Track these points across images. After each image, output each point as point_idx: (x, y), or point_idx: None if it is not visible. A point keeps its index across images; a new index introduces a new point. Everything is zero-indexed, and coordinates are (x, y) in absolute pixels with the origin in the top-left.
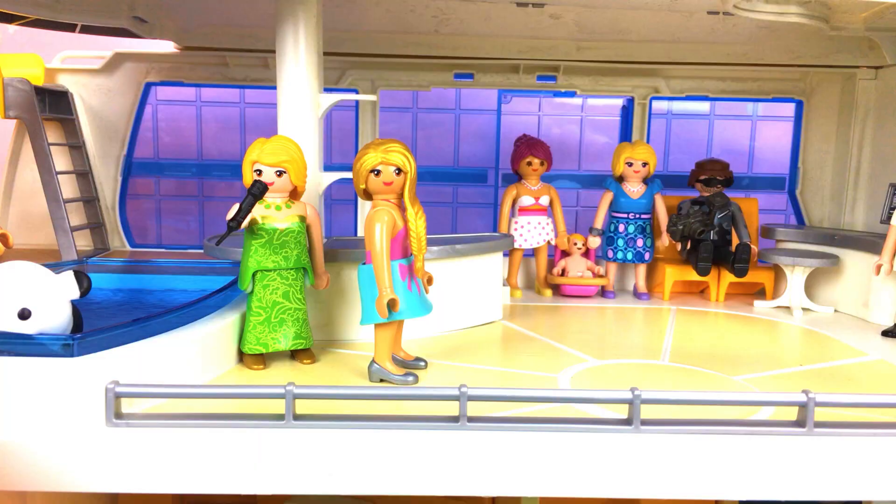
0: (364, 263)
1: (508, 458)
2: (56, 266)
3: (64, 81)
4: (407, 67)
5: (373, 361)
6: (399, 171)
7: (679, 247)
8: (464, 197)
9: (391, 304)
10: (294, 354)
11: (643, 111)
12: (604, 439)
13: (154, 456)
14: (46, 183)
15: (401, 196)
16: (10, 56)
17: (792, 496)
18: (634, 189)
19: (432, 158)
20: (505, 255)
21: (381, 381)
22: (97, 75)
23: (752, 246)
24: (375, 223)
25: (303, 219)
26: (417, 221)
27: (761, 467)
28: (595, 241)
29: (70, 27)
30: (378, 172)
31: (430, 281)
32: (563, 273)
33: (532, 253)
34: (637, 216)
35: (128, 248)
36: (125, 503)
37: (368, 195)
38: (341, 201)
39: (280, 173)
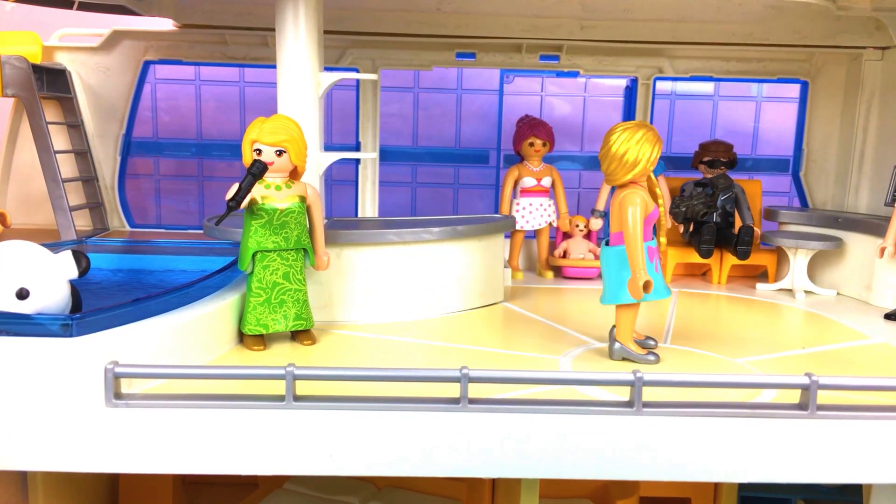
0: (608, 245)
1: (509, 441)
2: (54, 246)
3: (62, 59)
4: (408, 46)
5: (615, 340)
6: None
7: (681, 229)
8: (465, 178)
9: (645, 286)
10: (294, 335)
11: (647, 92)
12: (605, 422)
13: (154, 436)
14: (45, 162)
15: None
16: (7, 33)
17: (793, 479)
18: None
19: (433, 139)
20: (506, 236)
21: (624, 359)
22: (95, 53)
23: (755, 228)
24: (629, 206)
25: (303, 199)
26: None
27: (763, 450)
28: (597, 223)
29: (67, 4)
30: None
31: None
32: (564, 255)
33: (534, 235)
34: None
35: (127, 228)
36: (126, 484)
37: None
38: (342, 182)
39: (280, 153)
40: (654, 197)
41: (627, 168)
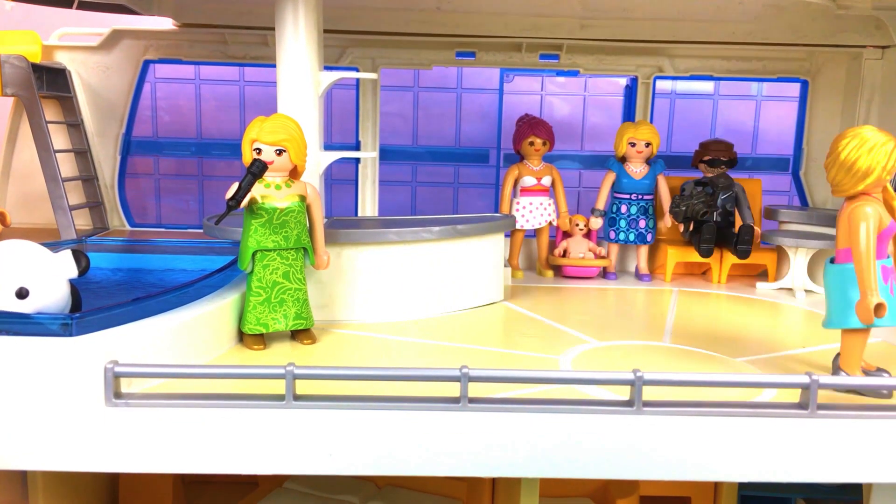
0: (833, 261)
1: (509, 440)
2: (54, 245)
3: (62, 59)
4: (408, 45)
5: (839, 369)
6: None
7: (681, 228)
8: (465, 177)
9: (877, 309)
10: (294, 335)
11: (647, 91)
12: (605, 421)
13: (154, 436)
14: (44, 161)
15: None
16: (6, 32)
17: (793, 478)
18: (637, 170)
19: (433, 138)
20: (506, 235)
21: (849, 391)
22: (95, 52)
23: (755, 227)
24: (860, 220)
25: (303, 198)
26: None
27: (763, 449)
28: (597, 222)
29: (67, 3)
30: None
31: None
32: (564, 254)
33: (534, 234)
34: (639, 197)
35: (127, 227)
36: (126, 483)
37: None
38: (342, 181)
39: (279, 152)
40: (892, 210)
41: (858, 178)
